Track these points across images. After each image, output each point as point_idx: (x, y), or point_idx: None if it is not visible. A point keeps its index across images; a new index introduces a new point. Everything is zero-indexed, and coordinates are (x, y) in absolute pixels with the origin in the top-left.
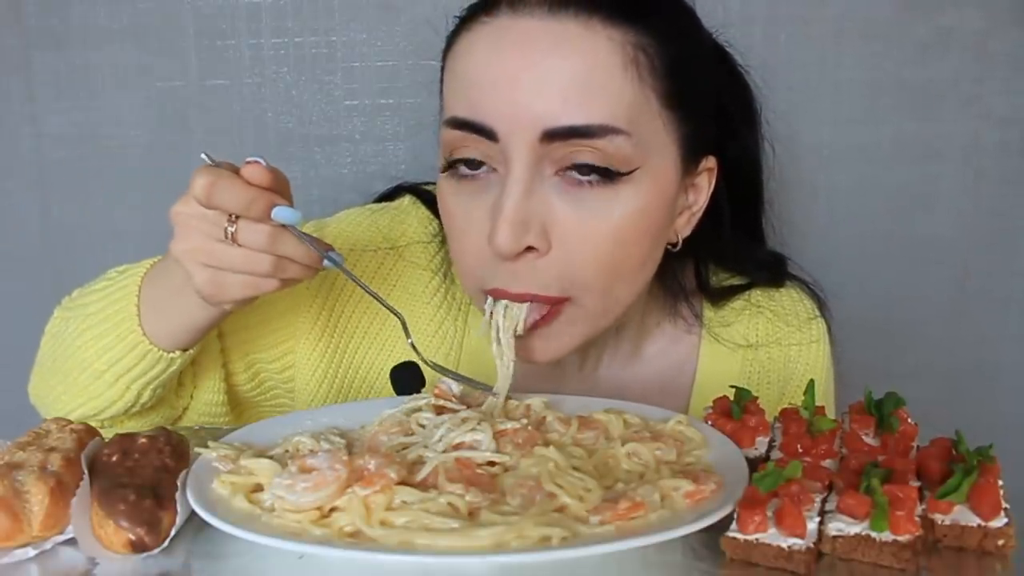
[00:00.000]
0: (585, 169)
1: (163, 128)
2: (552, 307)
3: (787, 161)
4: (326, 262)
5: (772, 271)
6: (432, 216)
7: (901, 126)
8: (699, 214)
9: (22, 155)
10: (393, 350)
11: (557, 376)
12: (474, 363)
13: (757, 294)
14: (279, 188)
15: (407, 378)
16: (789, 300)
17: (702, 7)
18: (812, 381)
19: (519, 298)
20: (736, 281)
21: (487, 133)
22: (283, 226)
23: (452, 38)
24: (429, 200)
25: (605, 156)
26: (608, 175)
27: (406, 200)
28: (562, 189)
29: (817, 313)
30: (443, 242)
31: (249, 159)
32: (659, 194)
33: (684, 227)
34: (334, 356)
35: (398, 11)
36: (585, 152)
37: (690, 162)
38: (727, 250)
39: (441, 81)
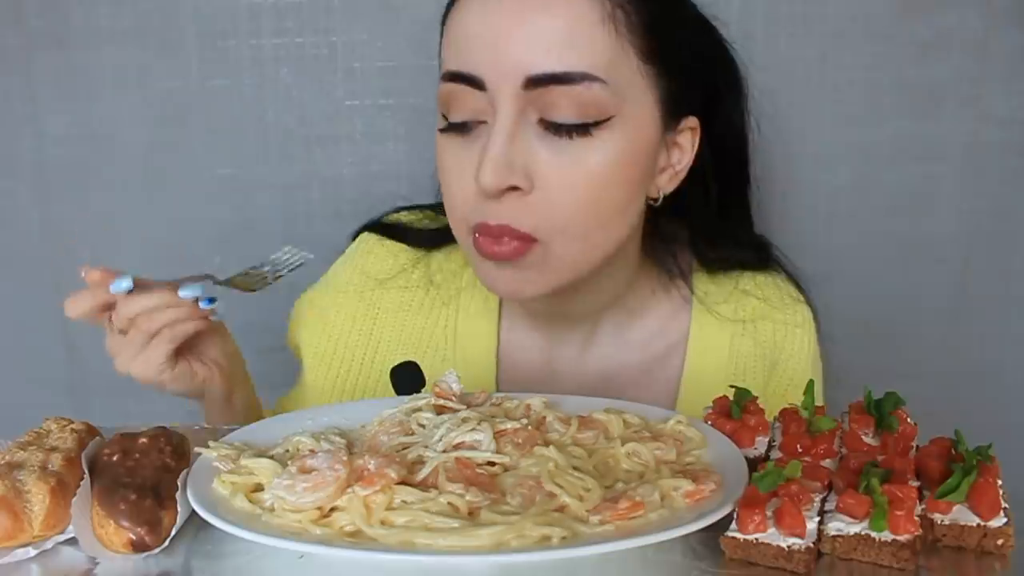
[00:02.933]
0: (562, 123)
1: (163, 128)
2: (521, 243)
3: (787, 161)
4: (183, 293)
5: (759, 252)
6: (402, 245)
7: (901, 126)
8: (683, 174)
9: (22, 155)
10: (392, 350)
11: (552, 347)
12: (468, 344)
13: (745, 279)
14: (107, 279)
15: (407, 378)
16: (774, 284)
17: (702, 7)
18: (812, 381)
19: (497, 231)
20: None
21: (476, 83)
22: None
23: (449, 4)
24: (391, 230)
25: (582, 103)
26: (583, 127)
27: (372, 239)
28: (543, 136)
29: (802, 298)
30: (417, 263)
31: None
32: (637, 143)
33: (666, 184)
34: (337, 376)
35: (398, 11)
36: (564, 100)
37: (671, 119)
38: (718, 228)
39: (440, 45)
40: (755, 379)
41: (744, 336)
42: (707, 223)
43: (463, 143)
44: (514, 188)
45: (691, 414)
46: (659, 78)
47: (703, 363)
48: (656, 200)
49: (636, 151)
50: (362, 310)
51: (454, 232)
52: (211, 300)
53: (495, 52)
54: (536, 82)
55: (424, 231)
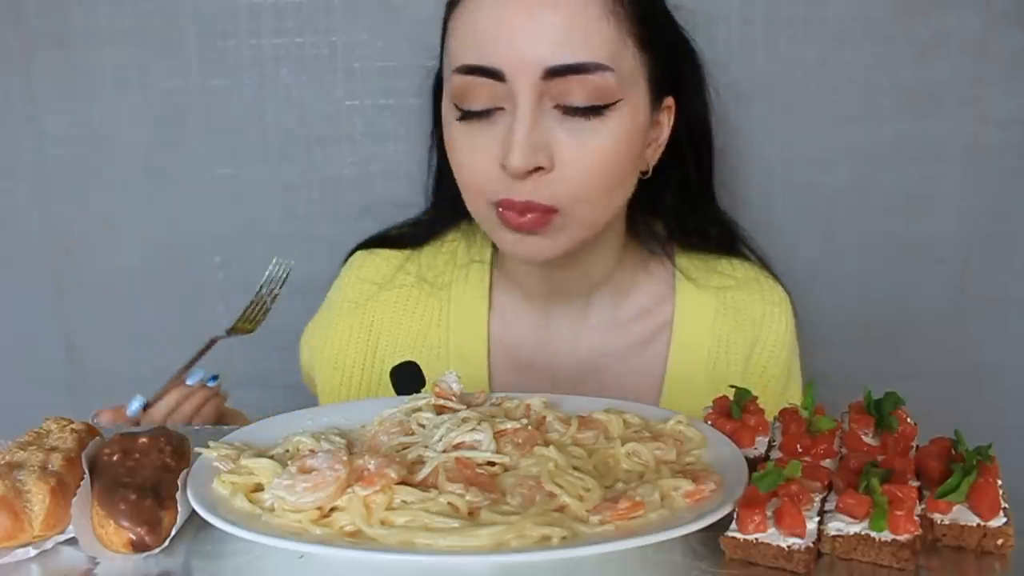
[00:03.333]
0: (579, 107)
1: (163, 128)
2: (543, 215)
3: (787, 161)
4: (191, 381)
5: (725, 228)
6: (392, 251)
7: (900, 127)
8: (663, 146)
9: (22, 155)
10: (390, 350)
11: (548, 328)
12: (463, 336)
13: (722, 264)
14: (120, 412)
15: (407, 378)
16: (748, 267)
17: (702, 8)
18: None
19: (522, 206)
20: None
21: (496, 75)
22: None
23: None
24: (378, 242)
25: (595, 89)
26: (596, 110)
27: (361, 255)
28: (561, 119)
29: (772, 277)
30: (408, 260)
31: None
32: (636, 123)
33: (652, 156)
34: (341, 384)
35: (398, 11)
36: (578, 88)
37: (656, 99)
38: (688, 208)
39: (443, 38)
40: (737, 354)
41: (726, 316)
42: (679, 203)
43: (481, 128)
44: (538, 168)
45: (681, 388)
46: (648, 64)
47: (689, 339)
48: (646, 172)
49: (636, 127)
50: (358, 318)
51: (470, 207)
52: (214, 378)
53: (513, 46)
54: (554, 72)
55: (408, 232)
